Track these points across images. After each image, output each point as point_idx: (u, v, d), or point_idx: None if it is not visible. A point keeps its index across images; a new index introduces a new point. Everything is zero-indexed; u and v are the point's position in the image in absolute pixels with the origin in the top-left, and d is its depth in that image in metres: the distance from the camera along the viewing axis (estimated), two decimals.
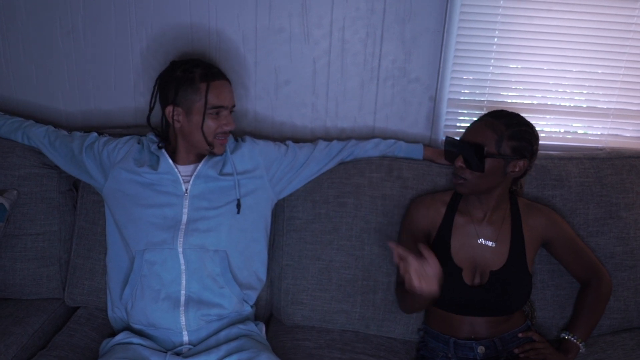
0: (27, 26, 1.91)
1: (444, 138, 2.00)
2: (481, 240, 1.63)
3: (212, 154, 1.66)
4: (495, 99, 1.98)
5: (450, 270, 1.61)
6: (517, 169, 1.55)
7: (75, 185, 1.91)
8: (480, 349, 1.60)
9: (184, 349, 1.59)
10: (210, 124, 1.59)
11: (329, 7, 1.86)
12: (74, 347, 1.66)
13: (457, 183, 1.58)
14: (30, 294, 1.83)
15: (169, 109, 1.60)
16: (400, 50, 1.90)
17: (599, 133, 2.03)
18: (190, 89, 1.57)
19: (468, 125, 1.97)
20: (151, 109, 1.69)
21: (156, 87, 1.67)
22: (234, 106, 1.67)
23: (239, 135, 1.81)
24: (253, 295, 1.73)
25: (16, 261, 1.80)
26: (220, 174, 1.66)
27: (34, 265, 1.82)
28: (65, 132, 1.81)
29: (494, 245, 1.63)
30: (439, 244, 1.64)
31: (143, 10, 1.88)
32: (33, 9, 1.89)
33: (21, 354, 1.62)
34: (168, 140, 1.70)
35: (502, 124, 1.52)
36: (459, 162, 1.55)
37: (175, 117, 1.60)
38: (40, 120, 1.93)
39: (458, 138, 1.61)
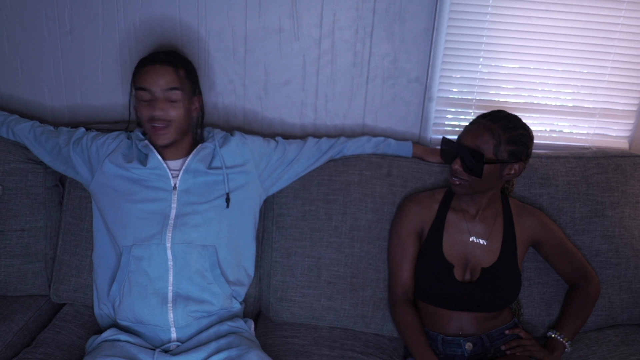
0: (12, 18, 1.88)
1: (433, 136, 2.02)
2: (473, 238, 1.64)
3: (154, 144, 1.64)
4: (483, 98, 1.99)
5: (441, 266, 1.62)
6: (512, 172, 1.56)
7: (61, 180, 1.89)
8: (468, 346, 1.61)
9: (172, 346, 1.58)
10: (140, 109, 1.60)
11: (319, 6, 1.86)
12: (60, 344, 1.64)
13: (454, 184, 1.59)
14: (15, 290, 1.81)
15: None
16: (390, 49, 1.91)
17: (584, 132, 2.05)
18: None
19: (457, 123, 2.02)
20: None
21: None
22: (171, 89, 1.57)
23: (228, 131, 1.80)
24: (242, 292, 1.72)
25: (1, 257, 1.78)
26: (209, 167, 1.66)
27: (19, 261, 1.79)
28: (51, 128, 1.79)
29: (485, 243, 1.64)
30: (431, 240, 1.65)
31: (130, 4, 1.86)
32: (18, 0, 1.86)
33: (6, 352, 1.60)
34: None
35: (500, 128, 1.52)
36: (457, 165, 1.56)
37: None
38: (26, 115, 1.90)
39: (455, 138, 1.60)
